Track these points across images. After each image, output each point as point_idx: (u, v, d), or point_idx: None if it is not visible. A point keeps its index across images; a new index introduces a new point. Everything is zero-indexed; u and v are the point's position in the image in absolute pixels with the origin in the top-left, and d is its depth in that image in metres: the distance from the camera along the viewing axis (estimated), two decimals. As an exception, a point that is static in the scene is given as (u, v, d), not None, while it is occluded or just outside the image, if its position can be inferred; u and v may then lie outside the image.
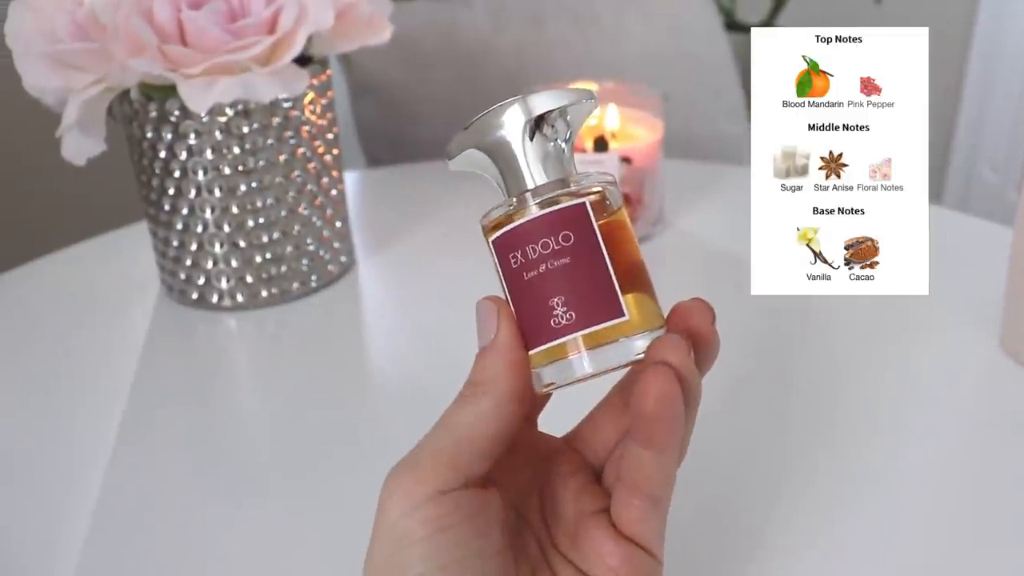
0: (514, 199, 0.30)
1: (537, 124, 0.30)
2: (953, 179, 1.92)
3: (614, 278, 0.28)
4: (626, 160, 0.69)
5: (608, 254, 0.29)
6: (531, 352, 0.29)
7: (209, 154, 0.61)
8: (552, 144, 0.30)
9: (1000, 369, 0.55)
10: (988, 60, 1.80)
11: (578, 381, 0.29)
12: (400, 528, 0.28)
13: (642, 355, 0.28)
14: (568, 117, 0.30)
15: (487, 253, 0.31)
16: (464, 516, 0.28)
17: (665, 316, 0.30)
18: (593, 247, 0.29)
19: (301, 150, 0.64)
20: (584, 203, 0.29)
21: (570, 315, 0.28)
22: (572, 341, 0.28)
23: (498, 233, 0.30)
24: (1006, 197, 1.80)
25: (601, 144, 0.69)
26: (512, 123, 0.30)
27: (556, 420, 0.35)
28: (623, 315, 0.28)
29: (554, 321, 0.28)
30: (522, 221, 0.29)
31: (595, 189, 0.29)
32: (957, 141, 1.89)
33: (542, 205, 0.29)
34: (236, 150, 0.61)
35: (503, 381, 0.29)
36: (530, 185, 0.30)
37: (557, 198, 0.29)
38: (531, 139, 0.30)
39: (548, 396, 0.33)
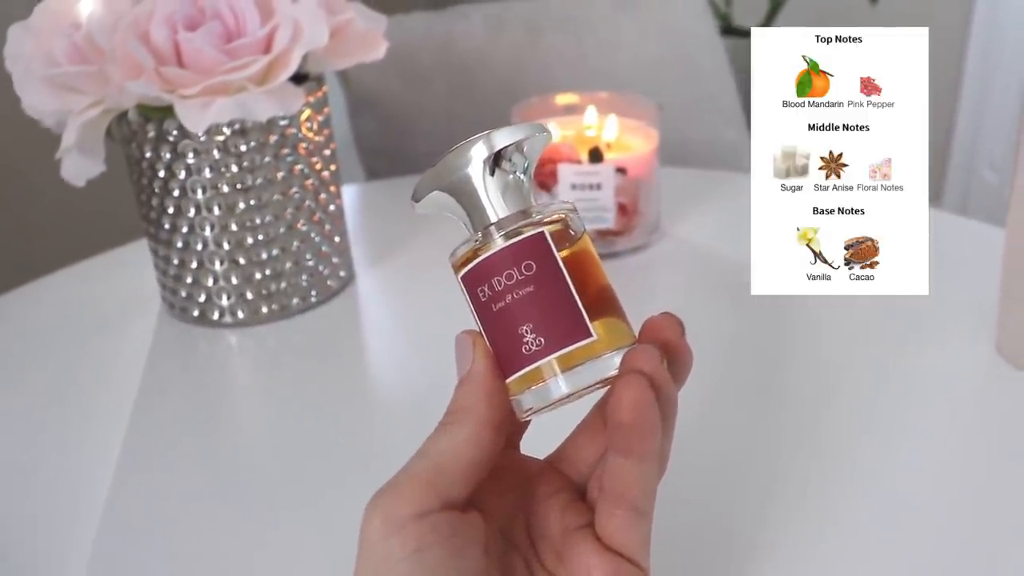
0: (479, 233, 0.31)
1: (495, 160, 0.31)
2: (952, 179, 1.92)
3: (578, 301, 0.29)
4: (621, 171, 0.69)
5: (572, 279, 0.30)
6: (508, 380, 0.30)
7: (207, 173, 0.61)
8: (511, 177, 0.31)
9: (995, 372, 0.55)
10: (985, 59, 1.81)
11: (557, 403, 0.30)
12: (381, 550, 0.28)
13: (616, 372, 0.29)
14: (524, 150, 0.31)
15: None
16: (442, 538, 0.28)
17: (636, 333, 0.31)
18: (555, 274, 0.30)
19: (299, 167, 0.64)
20: (543, 232, 0.30)
21: (539, 341, 0.29)
22: (547, 365, 0.29)
23: (465, 269, 0.31)
24: (1006, 197, 1.80)
25: (596, 155, 0.69)
26: (471, 161, 0.31)
27: (539, 443, 0.35)
28: (591, 335, 0.29)
29: (525, 348, 0.29)
30: (486, 256, 0.30)
31: (555, 217, 0.30)
32: (956, 141, 1.89)
33: (506, 237, 0.30)
34: (234, 168, 0.61)
35: (480, 409, 0.30)
36: (493, 219, 0.31)
37: (519, 229, 0.30)
38: (491, 175, 0.31)
39: (528, 422, 0.33)
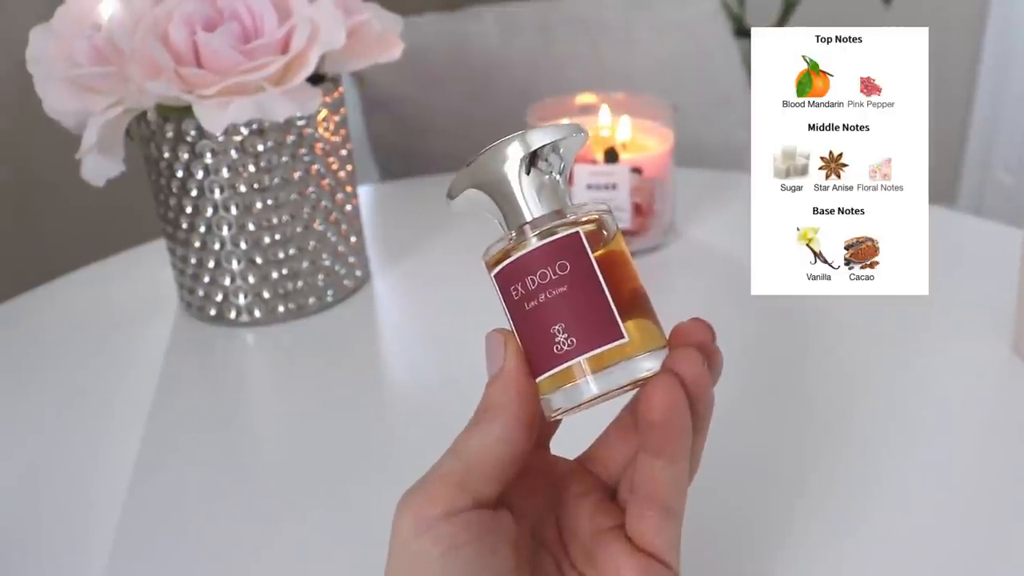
0: (513, 232, 0.31)
1: (532, 159, 0.31)
2: (967, 181, 1.91)
3: (611, 302, 0.29)
4: (636, 171, 0.69)
5: (606, 280, 0.30)
6: (538, 380, 0.30)
7: (225, 173, 0.62)
8: (547, 177, 0.31)
9: (1013, 372, 0.55)
10: (1000, 61, 1.80)
11: (586, 404, 0.30)
12: (414, 548, 0.28)
13: (647, 374, 0.29)
14: (561, 151, 0.31)
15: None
16: (475, 535, 0.29)
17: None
18: (589, 274, 0.30)
19: (315, 167, 0.65)
20: (578, 232, 0.30)
21: (571, 341, 0.29)
22: (577, 366, 0.29)
23: (499, 267, 0.31)
24: (1021, 198, 1.79)
25: (612, 155, 0.70)
26: (508, 160, 0.31)
27: (569, 443, 0.35)
28: (623, 337, 0.29)
29: (556, 348, 0.29)
30: (520, 254, 0.30)
31: (590, 218, 0.31)
32: (971, 143, 1.88)
33: (540, 236, 0.30)
34: (251, 168, 0.62)
35: (511, 408, 0.30)
36: (528, 218, 0.31)
37: (554, 229, 0.30)
38: (527, 174, 0.31)
39: (559, 421, 0.33)
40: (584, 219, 0.30)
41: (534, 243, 0.30)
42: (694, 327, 0.30)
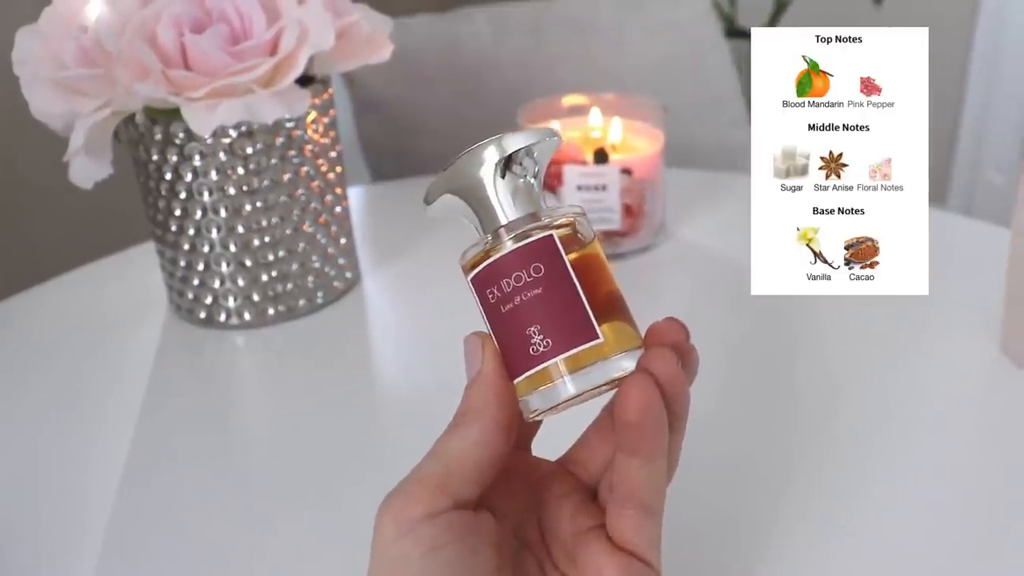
0: (488, 236, 0.31)
1: (506, 163, 0.31)
2: (958, 181, 1.92)
3: (586, 303, 0.30)
4: (627, 172, 0.69)
5: (580, 282, 0.30)
6: (516, 381, 0.31)
7: (214, 175, 0.61)
8: (522, 181, 0.31)
9: (1000, 371, 0.55)
10: (990, 61, 1.80)
11: (563, 404, 0.30)
12: (395, 550, 0.28)
13: (623, 374, 0.29)
14: (535, 155, 0.32)
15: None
16: (456, 537, 0.29)
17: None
18: (563, 276, 0.30)
19: (305, 169, 0.64)
20: (551, 235, 0.30)
21: (547, 342, 0.29)
22: (554, 367, 0.29)
23: (475, 271, 0.31)
24: (1011, 198, 1.79)
25: (601, 156, 0.69)
26: (483, 164, 0.31)
27: (552, 444, 0.35)
28: (598, 337, 0.29)
29: (532, 349, 0.30)
30: (495, 258, 0.30)
31: (564, 221, 0.31)
32: (961, 143, 1.89)
33: (515, 239, 0.30)
34: (240, 171, 0.62)
35: (489, 410, 0.30)
36: (503, 221, 0.31)
37: (528, 232, 0.30)
38: (502, 177, 0.31)
39: (539, 423, 0.34)
40: (558, 222, 0.31)
41: (509, 246, 0.30)
42: (668, 327, 0.31)
